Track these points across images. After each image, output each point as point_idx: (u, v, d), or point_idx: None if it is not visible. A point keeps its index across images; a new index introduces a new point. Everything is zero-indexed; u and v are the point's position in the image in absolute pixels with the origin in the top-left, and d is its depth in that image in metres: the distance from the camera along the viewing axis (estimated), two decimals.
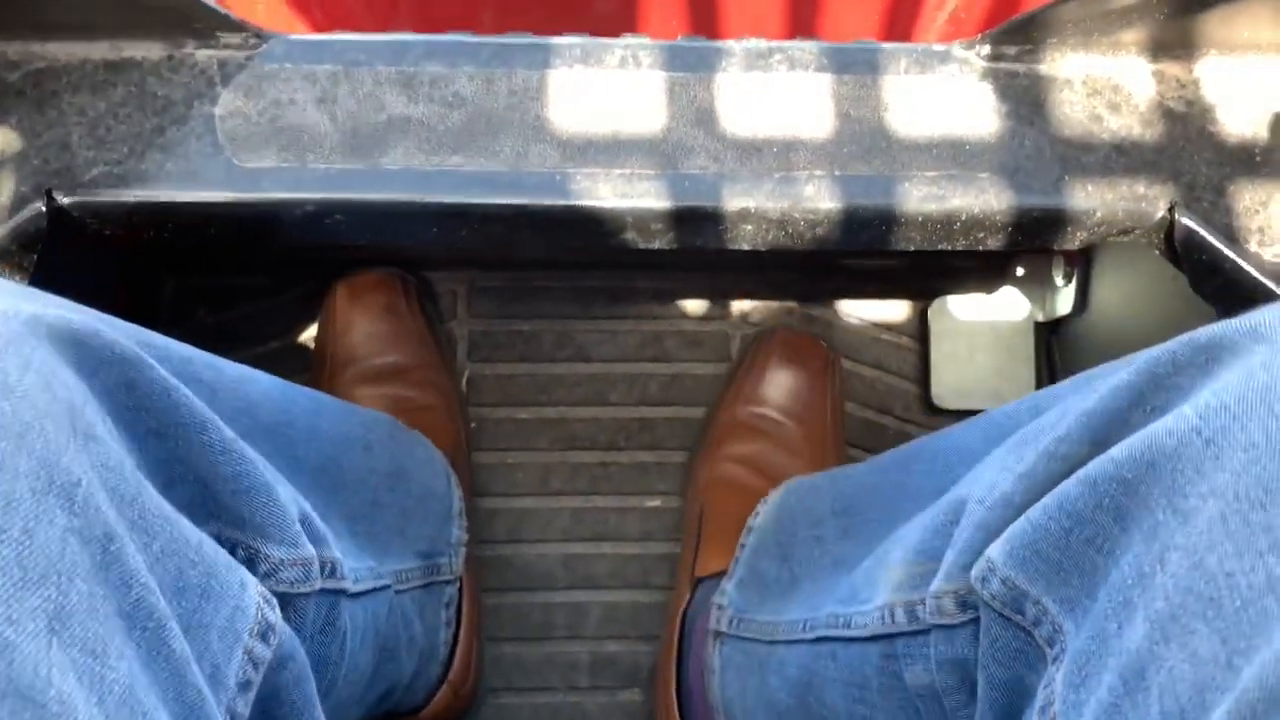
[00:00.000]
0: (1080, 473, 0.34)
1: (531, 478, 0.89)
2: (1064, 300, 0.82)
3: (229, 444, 0.35)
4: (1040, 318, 0.87)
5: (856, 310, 0.93)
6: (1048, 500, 0.35)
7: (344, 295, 0.84)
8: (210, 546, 0.33)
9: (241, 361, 0.86)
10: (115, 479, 0.28)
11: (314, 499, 0.46)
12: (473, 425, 0.90)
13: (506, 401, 0.90)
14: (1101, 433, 0.35)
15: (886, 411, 0.91)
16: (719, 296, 0.92)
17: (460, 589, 0.76)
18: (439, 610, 0.72)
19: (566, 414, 0.90)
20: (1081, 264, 0.80)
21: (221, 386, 0.42)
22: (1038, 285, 0.86)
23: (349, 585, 0.49)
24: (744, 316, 0.92)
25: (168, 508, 0.31)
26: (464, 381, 0.90)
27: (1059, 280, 0.81)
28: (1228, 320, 0.32)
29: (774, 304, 0.92)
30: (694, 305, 0.92)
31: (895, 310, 0.93)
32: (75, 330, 0.30)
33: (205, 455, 0.35)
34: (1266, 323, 0.30)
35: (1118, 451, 0.32)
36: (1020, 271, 0.87)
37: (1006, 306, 0.89)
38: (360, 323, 0.82)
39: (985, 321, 0.89)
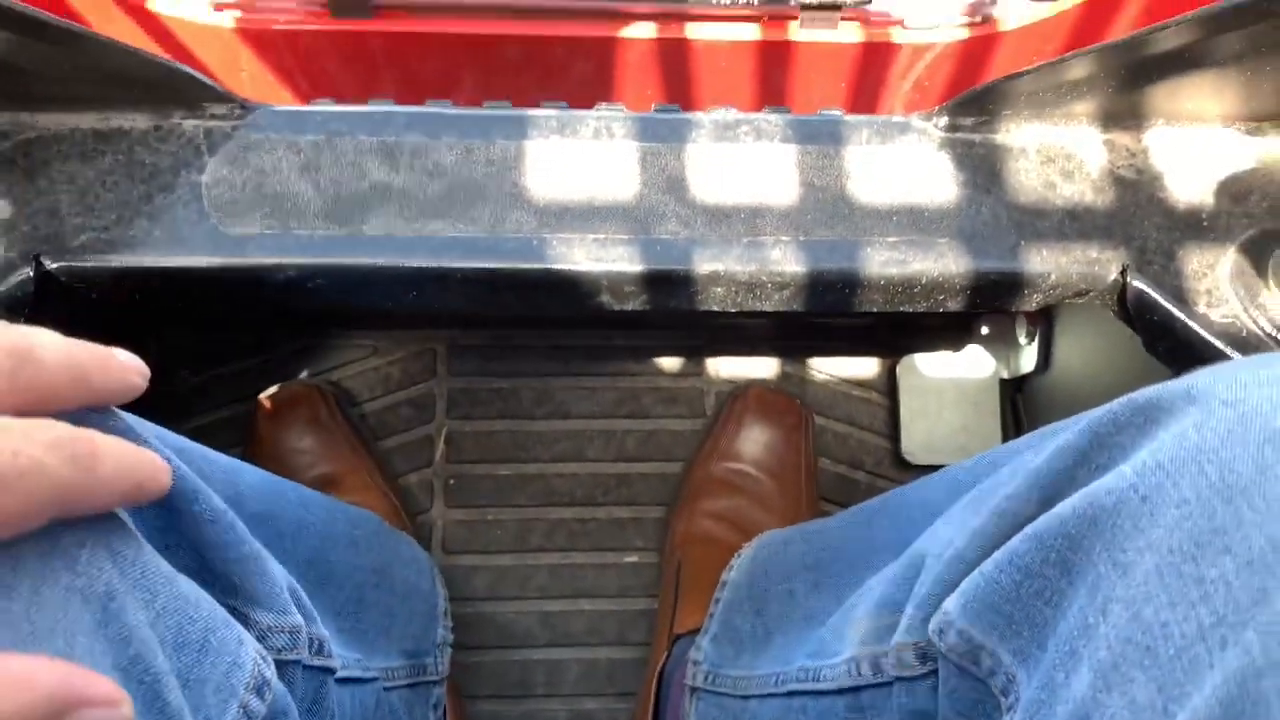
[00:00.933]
0: (1028, 529, 0.35)
1: (510, 534, 0.90)
2: (1028, 358, 0.84)
3: (219, 514, 0.37)
4: (1005, 375, 0.89)
5: (828, 367, 0.95)
6: (999, 555, 0.36)
7: (266, 414, 0.84)
8: (208, 604, 0.35)
9: (222, 420, 0.88)
10: (117, 542, 0.30)
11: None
12: (451, 482, 0.91)
13: (486, 458, 0.91)
14: (1049, 490, 0.36)
15: (858, 466, 0.93)
16: (694, 354, 0.94)
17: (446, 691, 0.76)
18: (427, 713, 0.72)
19: (545, 470, 0.91)
20: (1044, 324, 0.82)
21: (213, 476, 0.43)
22: (1002, 344, 0.88)
23: (335, 665, 0.49)
24: (718, 373, 0.94)
25: (166, 567, 0.32)
26: (442, 439, 0.92)
27: (1022, 339, 0.84)
28: (1164, 383, 0.34)
29: (748, 361, 0.94)
30: (670, 362, 0.94)
31: (865, 367, 0.95)
32: None
33: (197, 524, 0.36)
34: (1199, 385, 0.32)
35: (1063, 508, 0.34)
36: (985, 330, 0.89)
37: (973, 364, 0.91)
38: (286, 438, 0.83)
39: (952, 379, 0.92)
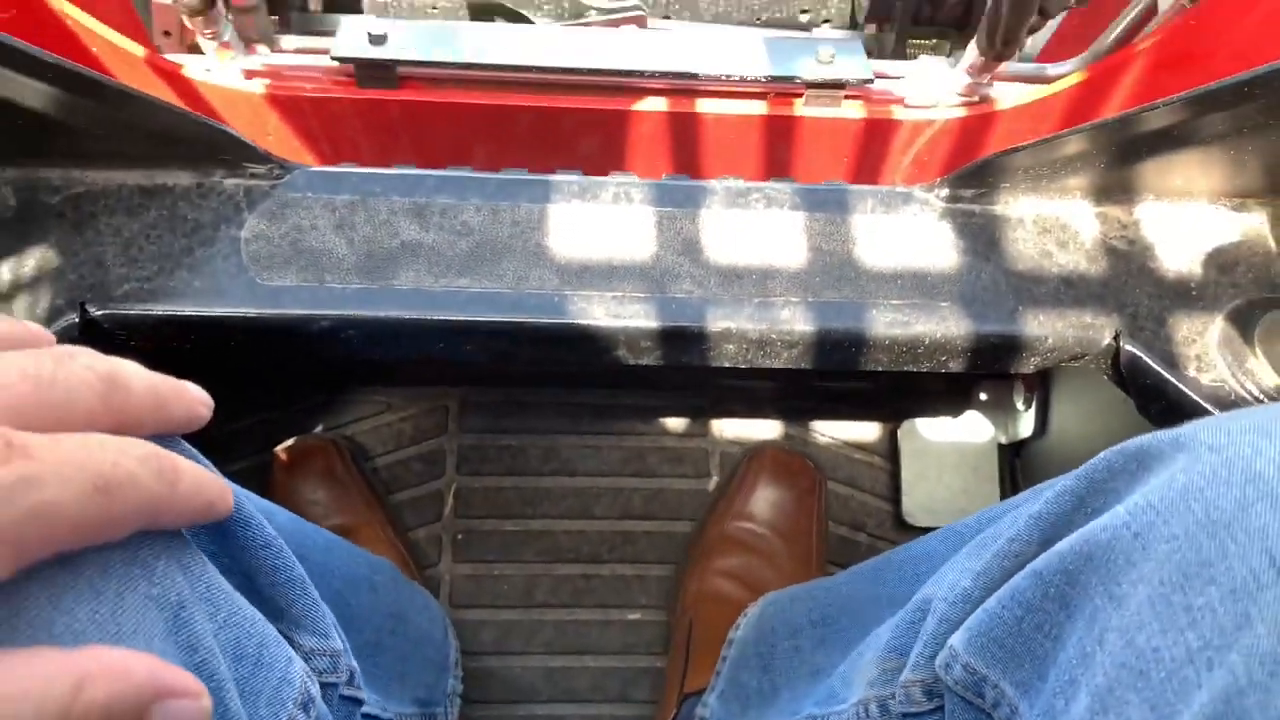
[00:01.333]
0: (1029, 567, 0.38)
1: (516, 590, 0.91)
2: (1025, 424, 0.86)
3: (270, 540, 0.39)
4: (1003, 440, 0.92)
5: (831, 430, 0.97)
6: (1002, 592, 0.39)
7: (282, 465, 0.87)
8: (261, 621, 0.37)
9: (240, 471, 0.90)
10: (187, 558, 0.32)
11: None
12: (459, 537, 0.92)
13: (494, 514, 0.93)
14: (1049, 532, 0.39)
15: (860, 528, 0.95)
16: (700, 415, 0.97)
17: None
18: None
19: (551, 526, 0.93)
20: (1040, 390, 0.85)
21: None
22: (1000, 410, 0.91)
23: (364, 698, 0.51)
24: (723, 434, 0.97)
25: (226, 585, 0.35)
26: (452, 494, 0.93)
27: (1020, 405, 0.86)
28: (1155, 432, 0.37)
29: (753, 423, 0.97)
30: (675, 423, 0.96)
31: (867, 431, 0.97)
32: None
33: (250, 550, 0.38)
34: (1186, 434, 0.35)
35: (1061, 547, 0.36)
36: (984, 397, 0.91)
37: (972, 429, 0.94)
38: (302, 490, 0.86)
39: (952, 443, 0.94)
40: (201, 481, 0.30)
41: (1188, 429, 0.35)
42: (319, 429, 0.93)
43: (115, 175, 0.60)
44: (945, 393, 0.96)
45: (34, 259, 0.57)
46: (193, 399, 0.32)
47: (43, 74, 0.54)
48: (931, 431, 0.94)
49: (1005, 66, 0.90)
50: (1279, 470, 0.30)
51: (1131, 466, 0.36)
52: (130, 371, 0.30)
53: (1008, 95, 0.94)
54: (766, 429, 0.97)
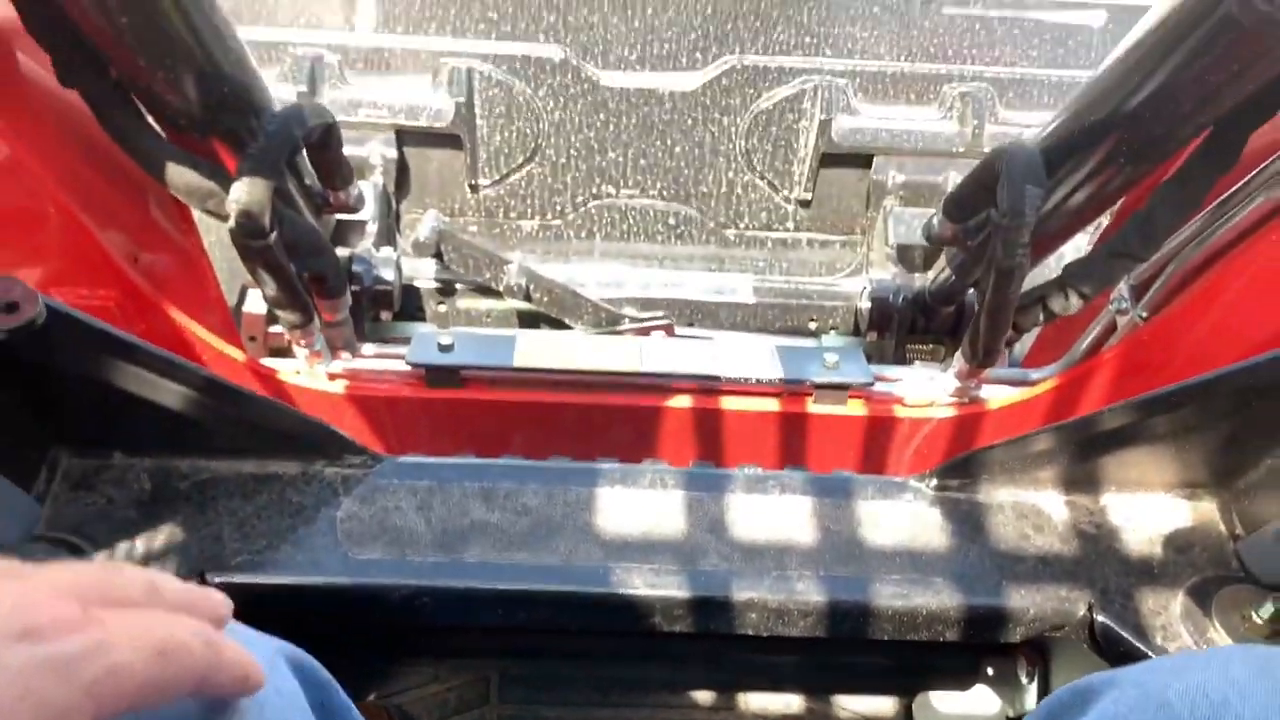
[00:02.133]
0: None
1: None
2: (1029, 697, 0.92)
3: None
4: (1011, 714, 0.97)
5: (849, 704, 1.03)
6: None
7: None
8: None
9: None
10: None
11: None
12: None
13: None
14: None
15: None
16: (725, 689, 1.03)
17: None
18: None
19: None
20: (1040, 665, 0.91)
21: None
22: (1006, 684, 0.97)
23: None
24: (748, 708, 1.02)
25: None
26: None
27: (1023, 679, 0.92)
28: (1098, 673, 0.46)
29: (775, 696, 1.03)
30: (702, 695, 1.02)
31: (884, 705, 1.03)
32: (300, 659, 0.44)
33: None
34: (1119, 674, 0.44)
35: None
36: (990, 671, 0.98)
37: (982, 702, 0.99)
38: None
39: (963, 716, 0.99)
40: (241, 653, 0.38)
41: (1120, 670, 0.45)
42: (372, 697, 0.99)
43: (234, 464, 0.72)
44: (955, 667, 1.02)
45: (164, 535, 0.68)
46: (216, 602, 0.41)
47: (187, 380, 0.67)
48: (945, 705, 1.00)
49: (992, 371, 1.04)
50: (1181, 698, 0.39)
51: (1077, 701, 0.45)
52: (166, 579, 0.38)
53: (996, 396, 1.07)
54: (788, 703, 1.03)
